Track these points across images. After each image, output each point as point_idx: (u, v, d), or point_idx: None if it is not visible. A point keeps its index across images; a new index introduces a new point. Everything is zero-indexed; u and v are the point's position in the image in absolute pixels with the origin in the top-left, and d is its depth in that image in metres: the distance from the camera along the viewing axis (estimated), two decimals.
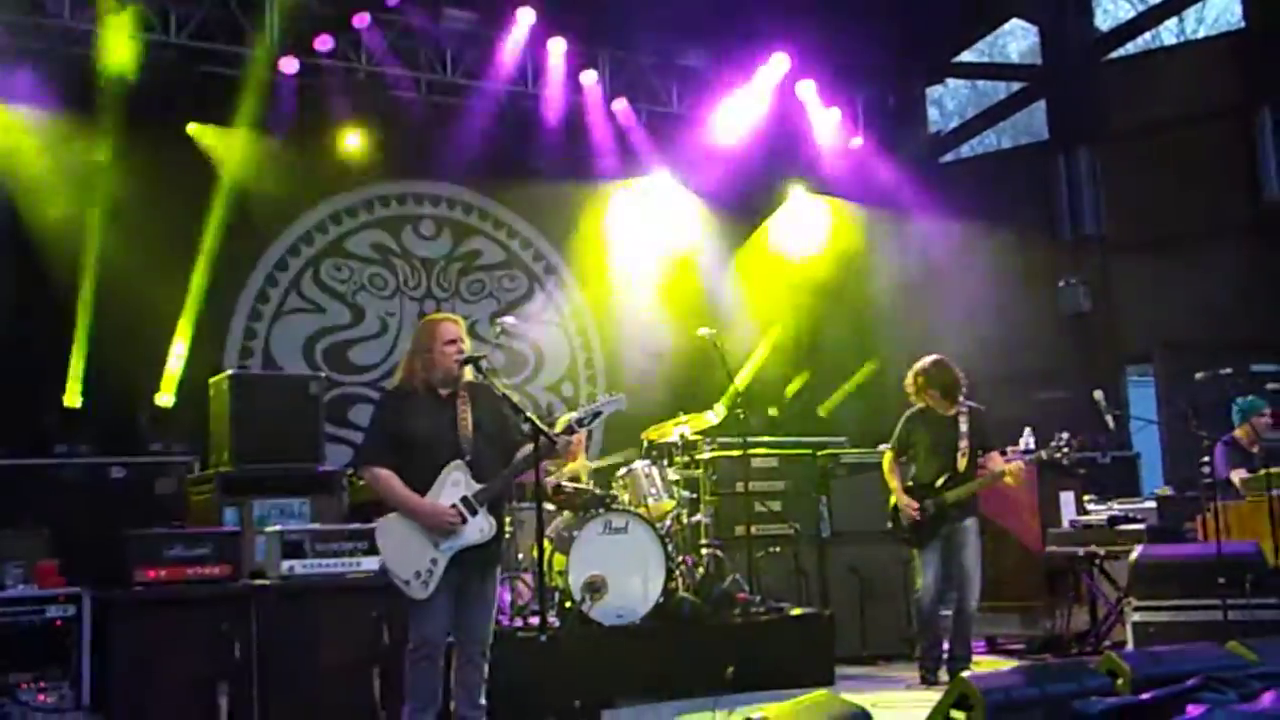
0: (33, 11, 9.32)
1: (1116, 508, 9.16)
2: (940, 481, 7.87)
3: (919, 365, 8.08)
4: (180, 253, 9.82)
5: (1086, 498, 9.49)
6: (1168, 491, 9.83)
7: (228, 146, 10.09)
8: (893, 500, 8.09)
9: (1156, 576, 7.53)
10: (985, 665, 8.43)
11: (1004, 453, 7.90)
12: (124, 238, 9.38)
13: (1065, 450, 7.82)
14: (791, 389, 12.16)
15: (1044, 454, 7.84)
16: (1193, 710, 4.66)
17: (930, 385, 7.99)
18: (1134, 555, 7.75)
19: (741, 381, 8.67)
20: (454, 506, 5.56)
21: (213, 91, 10.01)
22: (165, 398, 9.61)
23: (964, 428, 7.89)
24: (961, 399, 8.00)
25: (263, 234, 10.73)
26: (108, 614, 6.28)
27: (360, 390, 10.87)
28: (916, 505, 7.89)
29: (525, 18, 10.84)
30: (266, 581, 6.82)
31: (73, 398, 9.19)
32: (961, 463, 7.84)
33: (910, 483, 8.03)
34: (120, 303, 9.29)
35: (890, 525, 8.19)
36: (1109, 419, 8.43)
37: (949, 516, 7.85)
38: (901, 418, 8.19)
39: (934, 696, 6.13)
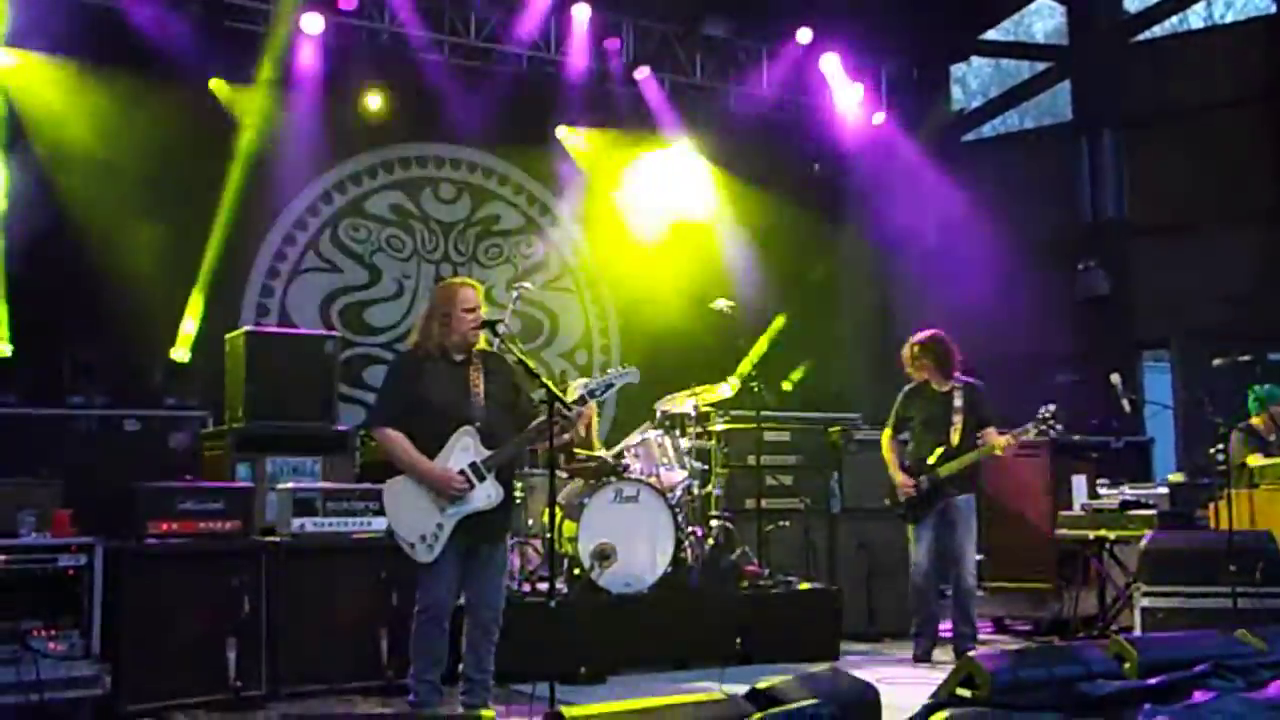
0: None
1: (1128, 492, 9.12)
2: (934, 457, 7.88)
3: (915, 338, 8.12)
4: (200, 208, 9.82)
5: (1099, 481, 9.45)
6: (1181, 477, 9.79)
7: (249, 103, 10.08)
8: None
9: (1167, 562, 7.51)
10: (993, 645, 8.43)
11: (1003, 432, 7.90)
12: (145, 191, 9.39)
13: (1050, 422, 7.79)
14: (796, 374, 12.13)
15: (1031, 428, 7.80)
16: (1199, 696, 4.67)
17: (924, 356, 8.03)
18: (1144, 540, 7.73)
19: (756, 354, 8.63)
20: (461, 472, 5.56)
21: (236, 48, 9.99)
22: (181, 353, 9.64)
23: (959, 403, 7.90)
24: (957, 375, 8.01)
25: (282, 192, 10.72)
26: (119, 565, 6.29)
27: (375, 351, 10.89)
28: (912, 482, 7.92)
29: None
30: (277, 538, 6.84)
31: (89, 350, 9.20)
32: (955, 437, 7.85)
33: (908, 461, 8.04)
34: (139, 256, 9.30)
35: (888, 501, 8.24)
36: (1124, 403, 8.41)
37: (944, 492, 7.86)
38: (899, 395, 8.22)
39: (938, 675, 6.15)
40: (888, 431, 8.23)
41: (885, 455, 8.20)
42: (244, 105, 10.08)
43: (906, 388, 8.20)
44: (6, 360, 8.82)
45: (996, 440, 7.76)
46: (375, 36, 10.63)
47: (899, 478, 8.04)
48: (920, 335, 8.12)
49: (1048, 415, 7.76)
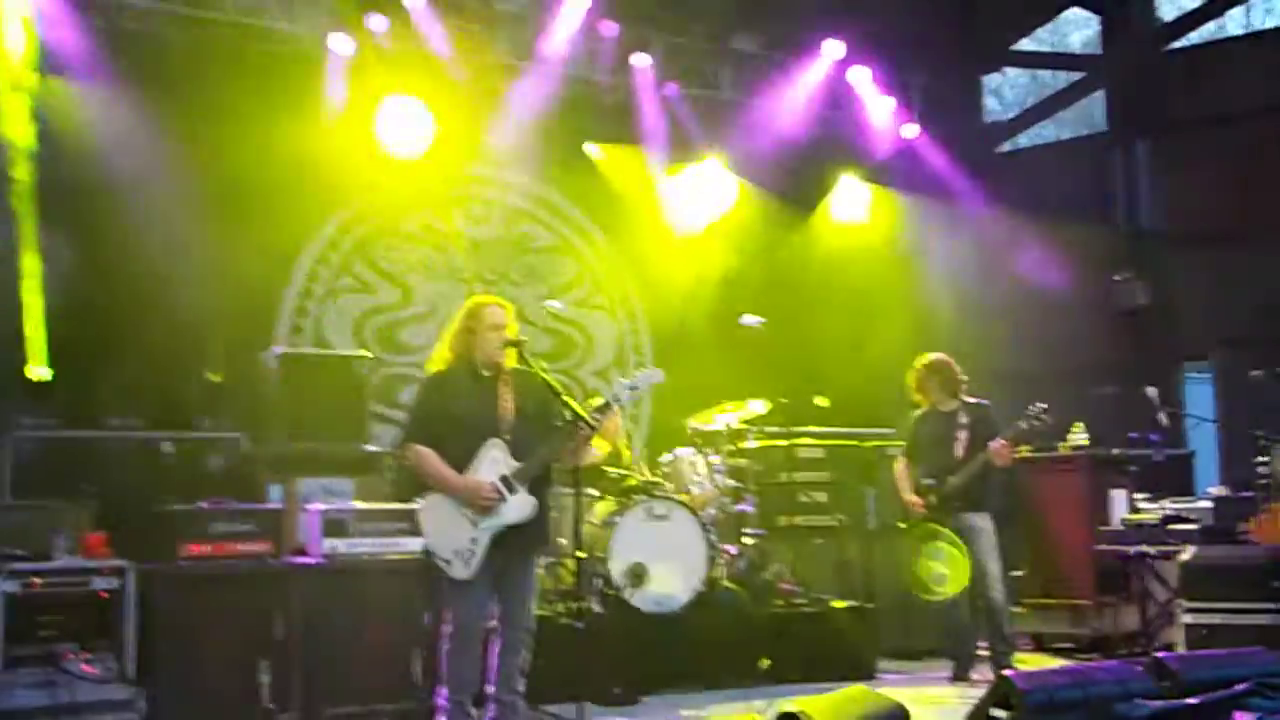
0: None
1: (1169, 507, 9.01)
2: (940, 474, 7.86)
3: (916, 363, 8.19)
4: (233, 230, 9.86)
5: (1138, 496, 9.35)
6: (1223, 491, 9.65)
7: (281, 124, 10.11)
8: None
9: (1208, 578, 7.41)
10: (1032, 663, 8.34)
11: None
12: (178, 214, 9.43)
13: (1041, 419, 7.70)
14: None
15: (1024, 424, 7.73)
16: (1240, 717, 4.59)
17: (927, 380, 8.09)
18: (1186, 555, 7.62)
19: (787, 370, 8.59)
20: (492, 484, 5.55)
21: (266, 69, 10.05)
22: (216, 374, 9.66)
23: (963, 420, 7.92)
24: (962, 394, 8.03)
25: (315, 213, 10.76)
26: (152, 587, 6.33)
27: (410, 371, 10.87)
28: (920, 501, 7.95)
29: (579, 1, 10.79)
30: (309, 560, 6.85)
31: (126, 373, 9.27)
32: (959, 453, 7.81)
33: (924, 483, 8.03)
34: (174, 279, 9.35)
35: (901, 524, 8.30)
36: (1161, 416, 8.31)
37: (952, 509, 7.80)
38: (909, 422, 8.28)
39: (975, 693, 6.07)
40: (901, 459, 8.29)
41: (897, 479, 8.22)
42: (276, 126, 10.11)
43: (915, 413, 8.25)
44: (45, 383, 8.87)
45: (991, 448, 7.69)
46: (405, 57, 10.64)
47: (908, 498, 8.06)
48: (921, 359, 8.21)
49: (1035, 412, 7.67)
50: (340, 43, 10.14)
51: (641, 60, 11.46)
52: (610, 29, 11.12)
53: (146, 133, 9.42)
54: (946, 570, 8.33)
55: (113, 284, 9.23)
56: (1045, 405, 7.73)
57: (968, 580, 7.96)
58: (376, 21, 10.26)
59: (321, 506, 7.04)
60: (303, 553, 7.01)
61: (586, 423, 5.58)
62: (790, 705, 4.22)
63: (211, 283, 9.71)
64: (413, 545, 6.84)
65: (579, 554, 6.05)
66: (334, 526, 6.90)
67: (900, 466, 8.25)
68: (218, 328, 9.74)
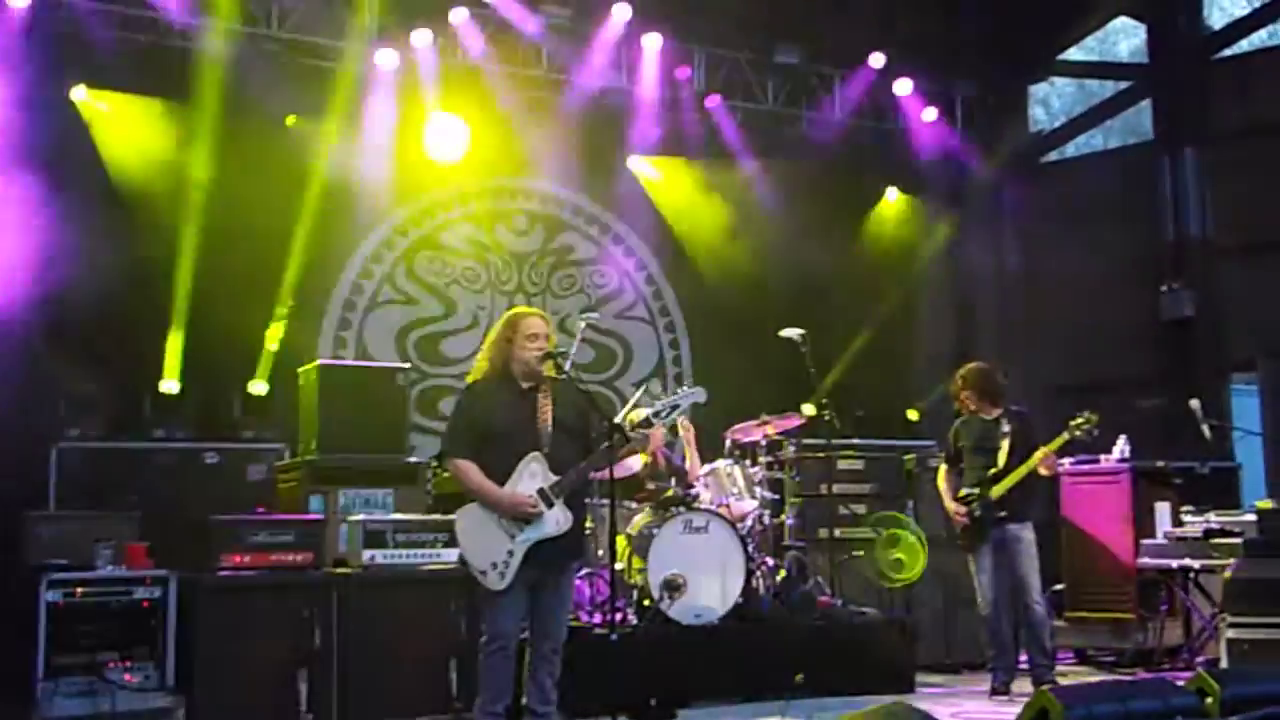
0: (138, 3, 9.53)
1: (1214, 520, 8.89)
2: (984, 483, 7.81)
3: (959, 371, 8.16)
4: (278, 243, 9.96)
5: (1183, 509, 9.23)
6: (1269, 504, 9.50)
7: (325, 138, 10.22)
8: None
9: (1254, 592, 7.29)
10: (1073, 677, 8.25)
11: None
12: (223, 227, 9.55)
13: (1086, 428, 7.64)
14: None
15: (1067, 435, 7.66)
16: None
17: (967, 388, 8.04)
18: (1230, 569, 7.52)
19: (828, 383, 8.56)
20: (532, 497, 5.57)
21: (312, 84, 10.16)
22: (259, 385, 9.76)
23: (1005, 428, 7.85)
24: (1004, 402, 7.99)
25: (358, 226, 10.86)
26: (192, 597, 6.40)
27: (451, 382, 10.95)
28: (964, 510, 7.88)
29: (621, 12, 10.83)
30: (348, 570, 6.89)
31: (170, 383, 9.39)
32: (1001, 461, 7.76)
33: (962, 492, 7.97)
34: (218, 290, 9.47)
35: (945, 533, 8.27)
36: (1205, 429, 8.21)
37: (995, 518, 7.75)
38: (951, 429, 8.23)
39: (1015, 709, 6.01)
40: (943, 467, 8.24)
41: (940, 487, 8.18)
42: (320, 140, 10.22)
43: (958, 421, 8.19)
44: (91, 394, 8.99)
45: (1036, 456, 7.64)
46: (448, 70, 10.72)
47: (951, 507, 8.01)
48: (963, 368, 8.18)
49: (1081, 420, 7.61)
50: (385, 57, 10.25)
51: (684, 73, 11.49)
52: (653, 41, 11.16)
53: (193, 144, 9.56)
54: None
55: (155, 295, 9.36)
56: (1094, 415, 7.65)
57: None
58: (421, 36, 10.36)
59: (361, 517, 7.08)
60: (342, 563, 7.05)
61: (626, 437, 5.58)
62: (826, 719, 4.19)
63: (255, 295, 9.84)
64: (451, 556, 6.88)
65: (611, 564, 6.04)
66: (372, 537, 6.94)
67: (943, 473, 8.19)
68: (261, 340, 9.87)
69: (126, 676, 6.20)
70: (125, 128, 9.69)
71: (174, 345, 9.39)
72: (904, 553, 8.50)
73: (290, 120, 10.25)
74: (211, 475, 8.27)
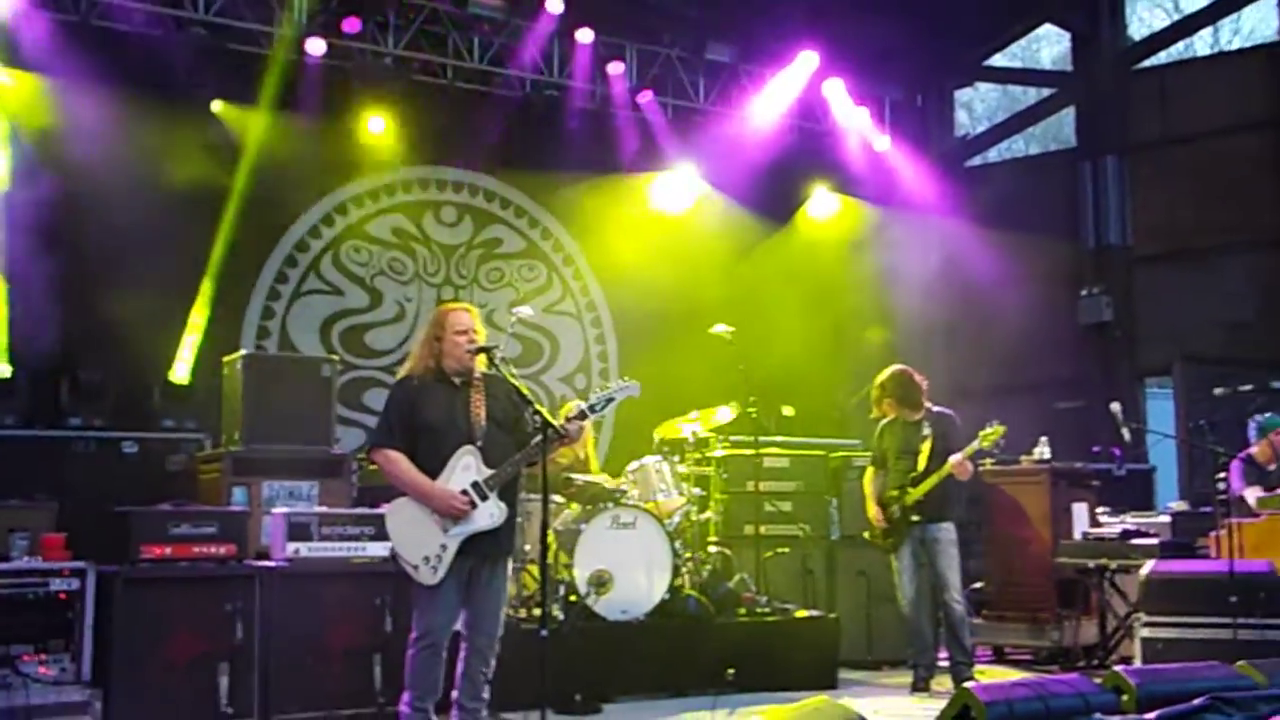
0: None
1: (1130, 521, 9.09)
2: (904, 485, 7.92)
3: (879, 378, 8.20)
4: (202, 229, 9.82)
5: (1100, 510, 9.42)
6: (1183, 506, 9.74)
7: (252, 125, 10.08)
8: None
9: (1167, 592, 7.46)
10: (992, 675, 8.37)
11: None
12: (145, 212, 9.36)
13: (995, 439, 7.75)
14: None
15: (978, 444, 7.77)
16: None
17: (886, 395, 8.12)
18: (1145, 570, 7.68)
19: (755, 380, 8.60)
20: (464, 491, 5.54)
21: (239, 70, 10.01)
22: (181, 374, 9.60)
23: (926, 431, 7.95)
24: (926, 405, 8.07)
25: (284, 214, 10.73)
26: (111, 590, 6.26)
27: (376, 374, 10.87)
28: (882, 513, 8.02)
29: (554, 7, 10.80)
30: (271, 563, 6.80)
31: (87, 371, 9.19)
32: (921, 464, 7.86)
33: (887, 494, 8.08)
34: (139, 277, 9.29)
35: (866, 534, 8.31)
36: (1125, 431, 8.37)
37: (914, 520, 7.87)
38: (875, 432, 8.32)
39: (935, 705, 6.10)
40: (869, 469, 8.32)
41: (866, 490, 8.27)
42: (246, 127, 10.07)
43: (881, 423, 8.26)
44: (5, 381, 8.79)
45: (950, 461, 7.74)
46: (378, 59, 10.62)
47: (872, 509, 8.12)
48: (882, 373, 8.21)
49: (990, 431, 7.73)
50: (314, 45, 10.11)
51: (615, 68, 11.49)
52: (584, 36, 11.14)
53: (116, 129, 9.36)
54: None
55: (74, 281, 9.16)
56: (1001, 427, 7.75)
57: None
58: (351, 24, 10.25)
59: (285, 510, 6.99)
60: (265, 556, 6.96)
61: (557, 430, 5.57)
62: (753, 715, 4.21)
63: (177, 282, 9.68)
64: (377, 550, 6.82)
65: (544, 560, 6.03)
66: (297, 530, 6.84)
67: (868, 477, 8.28)
68: (183, 328, 9.71)
69: (41, 670, 6.04)
70: (44, 110, 9.44)
71: (93, 332, 9.20)
72: None
73: (216, 106, 10.10)
74: (130, 465, 8.13)
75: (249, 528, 6.96)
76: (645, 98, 11.74)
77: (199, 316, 9.78)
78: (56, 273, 9.09)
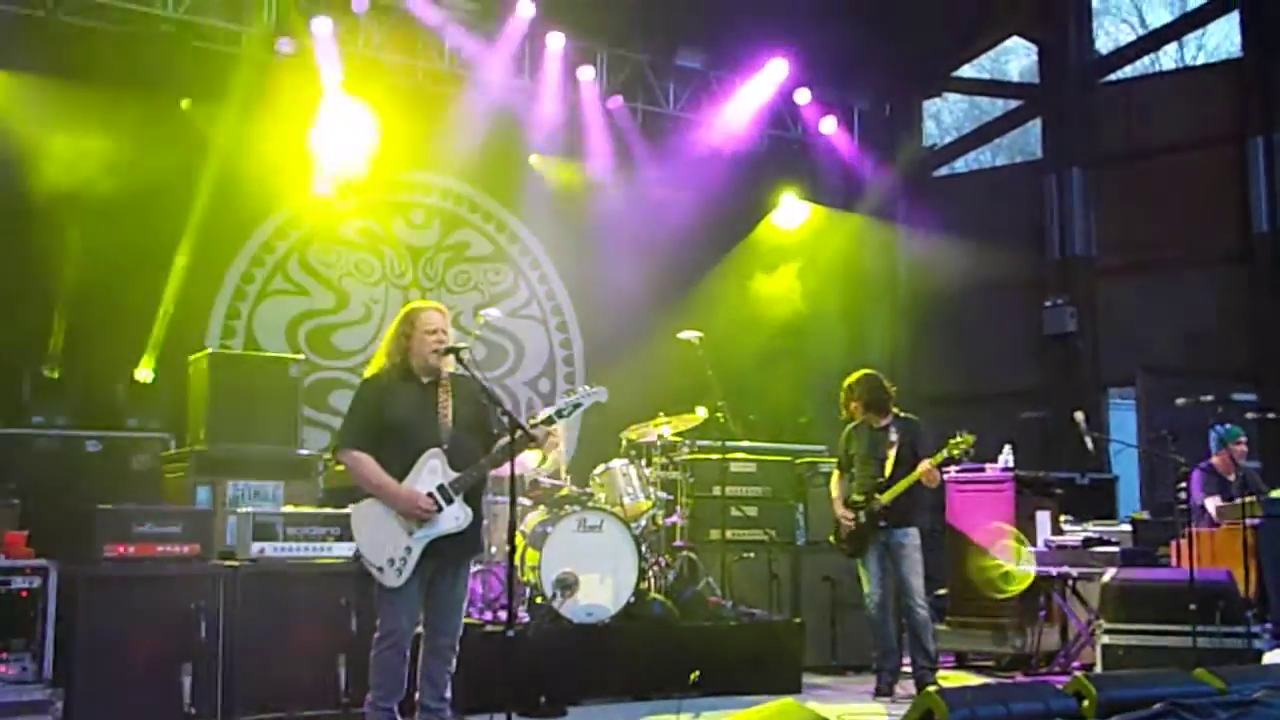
0: None
1: (1091, 529, 9.16)
2: (871, 489, 7.94)
3: (847, 381, 8.21)
4: (168, 228, 9.76)
5: (1062, 518, 9.49)
6: (1144, 515, 9.84)
7: (220, 124, 10.01)
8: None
9: (1128, 600, 7.54)
10: (953, 680, 8.43)
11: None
12: (111, 210, 9.29)
13: (964, 447, 7.79)
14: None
15: (946, 452, 7.82)
16: None
17: (854, 399, 8.13)
18: (1106, 577, 7.75)
19: (723, 386, 8.63)
20: (430, 494, 5.53)
21: (208, 68, 9.96)
22: (145, 373, 9.53)
23: (893, 437, 7.98)
24: (892, 410, 8.09)
25: (251, 214, 10.67)
26: (73, 588, 6.21)
27: (341, 375, 10.84)
28: (850, 515, 8.02)
29: (525, 11, 10.81)
30: (235, 563, 6.76)
31: (51, 369, 9.11)
32: (888, 470, 7.89)
33: (852, 498, 8.10)
34: (105, 275, 9.23)
35: (831, 538, 8.29)
36: (1088, 441, 8.44)
37: (880, 525, 7.90)
38: (842, 435, 8.33)
39: (899, 709, 6.13)
40: (835, 472, 8.34)
41: (832, 494, 8.28)
42: (214, 125, 10.01)
43: (848, 427, 8.28)
44: None
45: (919, 468, 7.79)
46: (349, 60, 10.59)
47: (839, 513, 8.13)
48: (850, 378, 8.21)
49: (959, 440, 7.77)
50: (284, 45, 10.07)
51: (585, 73, 11.51)
52: (555, 40, 11.15)
53: (79, 127, 9.29)
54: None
55: (41, 280, 9.08)
56: (970, 436, 7.79)
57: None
58: (321, 25, 10.21)
59: (249, 509, 6.95)
60: (230, 555, 6.92)
61: (527, 433, 5.56)
62: (719, 719, 4.22)
63: (143, 280, 9.62)
64: (342, 550, 6.80)
65: (510, 562, 6.03)
66: (262, 530, 6.80)
67: (835, 480, 8.31)
68: (148, 326, 9.64)
69: (1, 668, 5.99)
70: (8, 106, 9.36)
71: (57, 330, 9.13)
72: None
73: (184, 103, 10.04)
74: (94, 463, 8.04)
75: (213, 527, 6.92)
76: (615, 102, 11.77)
77: (165, 315, 9.70)
78: (18, 270, 9.02)
